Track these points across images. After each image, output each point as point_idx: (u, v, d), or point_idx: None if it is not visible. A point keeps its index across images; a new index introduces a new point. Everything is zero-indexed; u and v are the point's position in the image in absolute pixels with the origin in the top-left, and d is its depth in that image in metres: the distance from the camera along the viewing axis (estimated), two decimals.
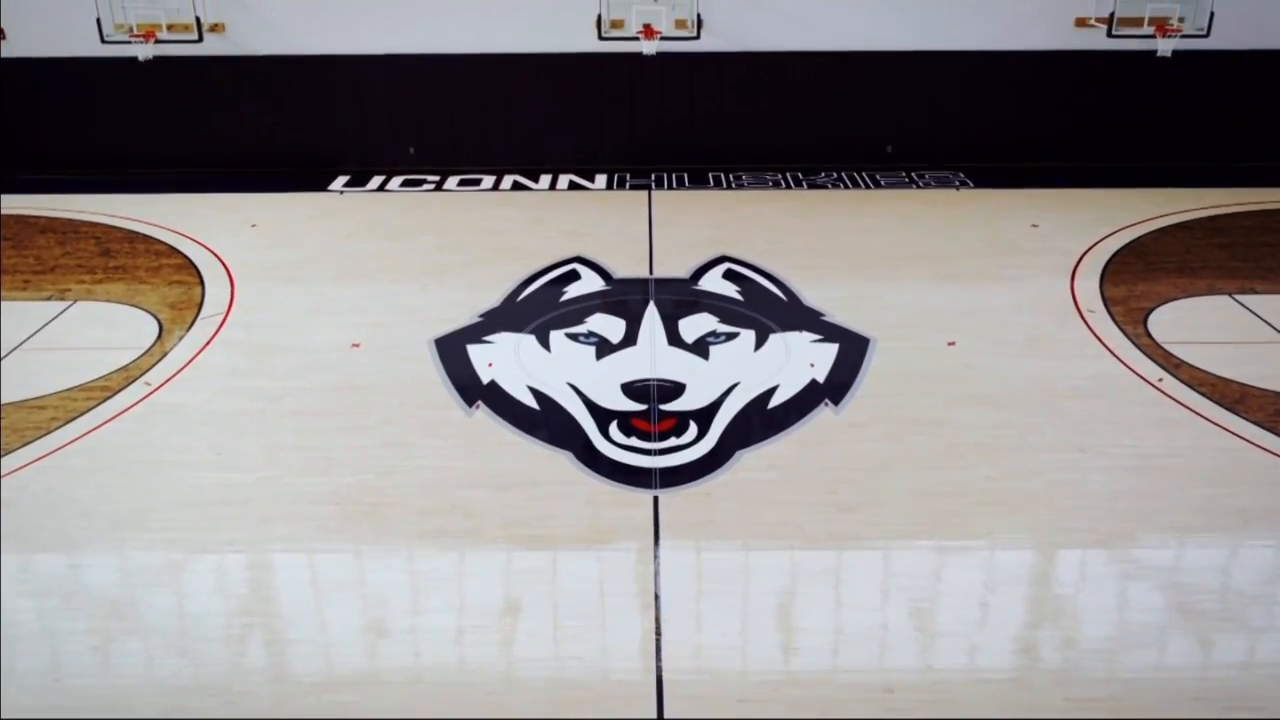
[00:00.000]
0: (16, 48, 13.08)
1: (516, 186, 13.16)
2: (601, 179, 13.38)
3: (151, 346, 8.82)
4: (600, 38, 12.61)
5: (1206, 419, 7.55)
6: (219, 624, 5.55)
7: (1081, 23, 12.92)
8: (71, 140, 13.58)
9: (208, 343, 8.90)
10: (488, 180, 13.33)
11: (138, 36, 12.41)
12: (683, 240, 11.18)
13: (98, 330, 9.24)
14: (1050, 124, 13.50)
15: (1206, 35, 12.37)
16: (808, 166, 13.59)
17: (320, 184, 13.21)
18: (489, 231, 11.60)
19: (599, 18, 12.49)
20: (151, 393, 8.03)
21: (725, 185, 13.13)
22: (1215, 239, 11.17)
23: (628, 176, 13.42)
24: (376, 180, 13.38)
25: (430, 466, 7.02)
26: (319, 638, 5.45)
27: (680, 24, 12.68)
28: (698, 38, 12.62)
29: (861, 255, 10.86)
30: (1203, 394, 7.89)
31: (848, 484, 6.78)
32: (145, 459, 7.15)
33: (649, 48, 12.48)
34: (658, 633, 5.42)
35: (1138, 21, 12.42)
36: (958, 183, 13.12)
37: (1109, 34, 12.47)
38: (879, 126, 13.65)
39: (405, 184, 13.26)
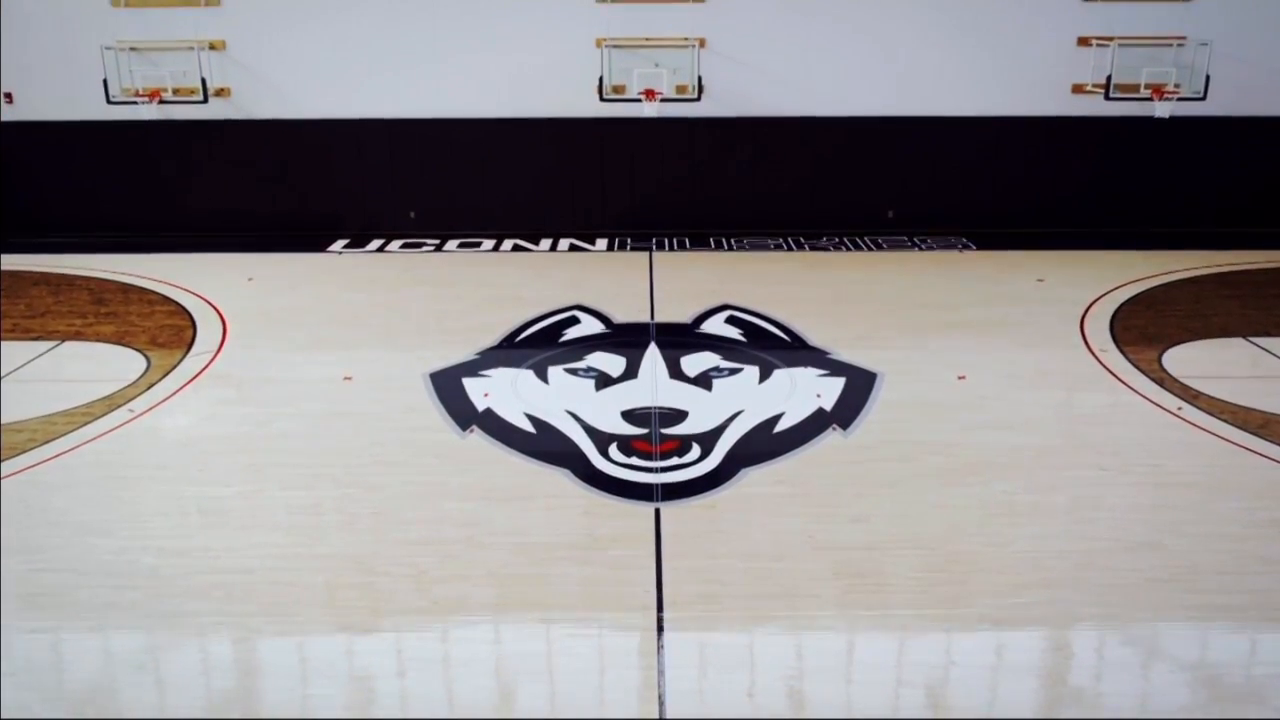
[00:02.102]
0: (21, 111, 13.18)
1: (517, 248, 13.07)
2: (602, 242, 13.31)
3: (137, 379, 8.56)
4: (602, 99, 12.70)
5: (1232, 442, 7.24)
6: (189, 623, 5.15)
7: (1079, 89, 13.04)
8: (71, 205, 13.57)
9: (195, 375, 8.65)
10: (488, 243, 13.26)
11: (143, 96, 12.48)
12: (684, 291, 11.03)
13: (84, 365, 9.00)
14: (1051, 189, 13.51)
15: (1203, 98, 12.44)
16: (809, 231, 13.54)
17: (320, 246, 13.13)
18: (488, 284, 11.46)
19: (600, 80, 12.60)
20: (134, 418, 7.74)
21: (726, 247, 13.05)
22: (1224, 291, 11.02)
23: (629, 240, 13.35)
24: (376, 243, 13.31)
25: (421, 481, 6.69)
26: (295, 633, 5.05)
27: (681, 89, 12.79)
28: (698, 99, 12.71)
29: (866, 304, 10.69)
30: (1225, 420, 7.59)
31: (860, 498, 6.45)
32: (121, 475, 6.83)
33: (650, 110, 12.56)
34: (660, 629, 5.02)
35: (1134, 87, 12.52)
36: (960, 245, 13.05)
37: (1106, 97, 12.55)
38: (880, 192, 13.65)
39: (405, 246, 13.19)
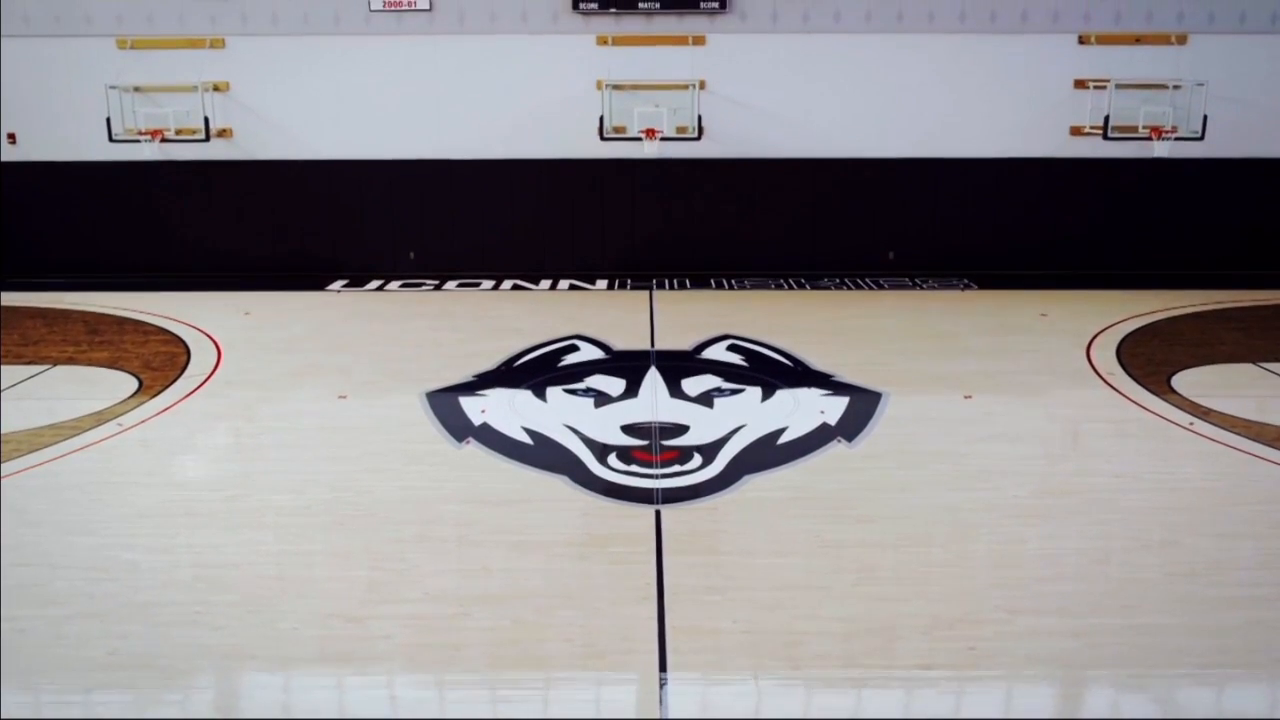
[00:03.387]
0: (24, 152, 13.23)
1: (516, 288, 13.01)
2: (602, 282, 13.25)
3: (128, 398, 8.40)
4: (602, 138, 12.75)
5: (1247, 452, 7.05)
6: (166, 612, 4.91)
7: (1077, 131, 13.11)
8: (70, 245, 13.55)
9: (188, 394, 8.48)
10: (487, 283, 13.20)
11: (145, 135, 12.53)
12: (685, 323, 10.93)
13: (75, 386, 8.84)
14: (1052, 230, 13.50)
15: (1201, 138, 12.49)
16: (810, 273, 13.49)
17: (319, 285, 13.07)
18: (486, 318, 11.37)
19: (601, 119, 12.66)
20: (122, 431, 7.56)
21: (727, 287, 12.98)
22: (1230, 324, 10.93)
23: (629, 280, 13.30)
24: (375, 283, 13.25)
25: (415, 485, 6.49)
26: (279, 621, 4.81)
27: (681, 129, 12.84)
28: (698, 139, 12.76)
29: (869, 334, 10.58)
30: (1239, 434, 7.42)
31: (866, 501, 6.25)
32: (106, 480, 6.64)
33: (651, 149, 12.60)
34: (660, 619, 4.79)
35: (1132, 128, 12.57)
36: (962, 285, 12.99)
37: (1105, 137, 12.60)
38: (881, 233, 13.64)
39: (404, 286, 13.12)
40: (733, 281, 13.20)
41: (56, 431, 7.50)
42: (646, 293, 12.63)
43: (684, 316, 11.30)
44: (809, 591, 5.09)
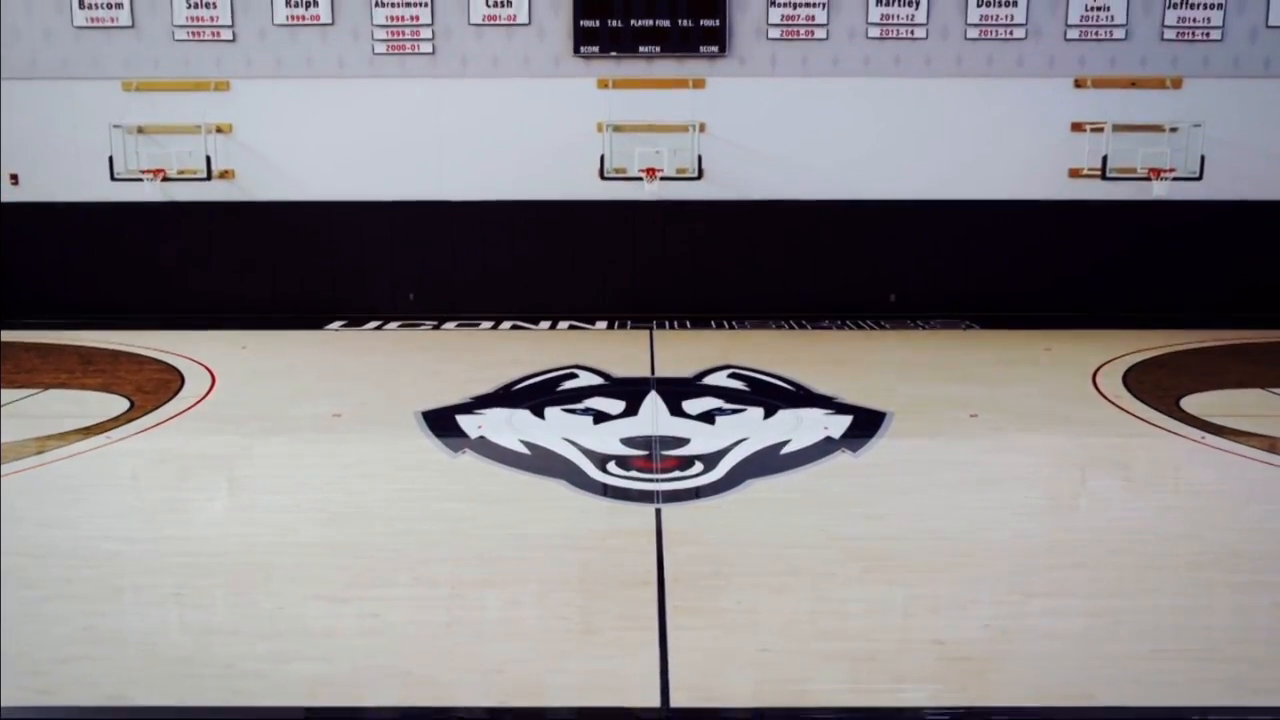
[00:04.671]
0: (25, 193, 13.26)
1: (515, 328, 12.92)
2: (602, 323, 13.17)
3: (118, 415, 8.24)
4: (603, 177, 12.79)
5: (1262, 461, 6.88)
6: (149, 594, 4.72)
7: (1075, 173, 13.17)
8: (69, 286, 13.51)
9: (179, 413, 8.34)
10: (486, 324, 13.12)
11: (148, 173, 12.57)
12: (685, 355, 10.82)
13: (65, 405, 8.71)
14: (1053, 272, 13.47)
15: (1199, 178, 12.53)
16: (811, 314, 13.42)
17: (317, 326, 12.98)
18: (484, 353, 11.25)
19: (602, 158, 12.72)
20: (110, 443, 7.40)
21: (728, 327, 12.90)
22: (1237, 357, 10.82)
23: (629, 321, 13.22)
24: (373, 323, 13.17)
25: (408, 489, 6.33)
26: (264, 602, 4.61)
27: (681, 170, 12.90)
28: (699, 178, 12.81)
29: (872, 365, 10.48)
30: (1252, 446, 7.25)
31: (875, 501, 6.07)
32: (92, 483, 6.46)
33: (651, 189, 12.63)
34: (660, 600, 4.59)
35: (1130, 169, 12.62)
36: (965, 325, 12.91)
37: (1104, 177, 12.64)
38: (882, 275, 13.61)
39: (402, 326, 13.04)
40: (733, 322, 13.12)
41: (42, 443, 7.34)
42: (647, 332, 12.55)
43: (684, 350, 11.20)
44: (815, 577, 4.89)
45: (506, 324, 13.08)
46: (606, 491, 6.23)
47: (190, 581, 4.84)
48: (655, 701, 3.75)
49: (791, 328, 12.81)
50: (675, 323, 13.11)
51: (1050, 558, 5.17)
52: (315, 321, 13.13)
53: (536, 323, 13.14)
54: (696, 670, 3.98)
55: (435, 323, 13.18)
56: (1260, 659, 4.08)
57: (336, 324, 13.10)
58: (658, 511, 5.84)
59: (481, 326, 12.97)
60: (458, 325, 13.05)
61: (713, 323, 13.13)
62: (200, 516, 5.81)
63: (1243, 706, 3.73)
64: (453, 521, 5.70)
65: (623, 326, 12.95)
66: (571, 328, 12.91)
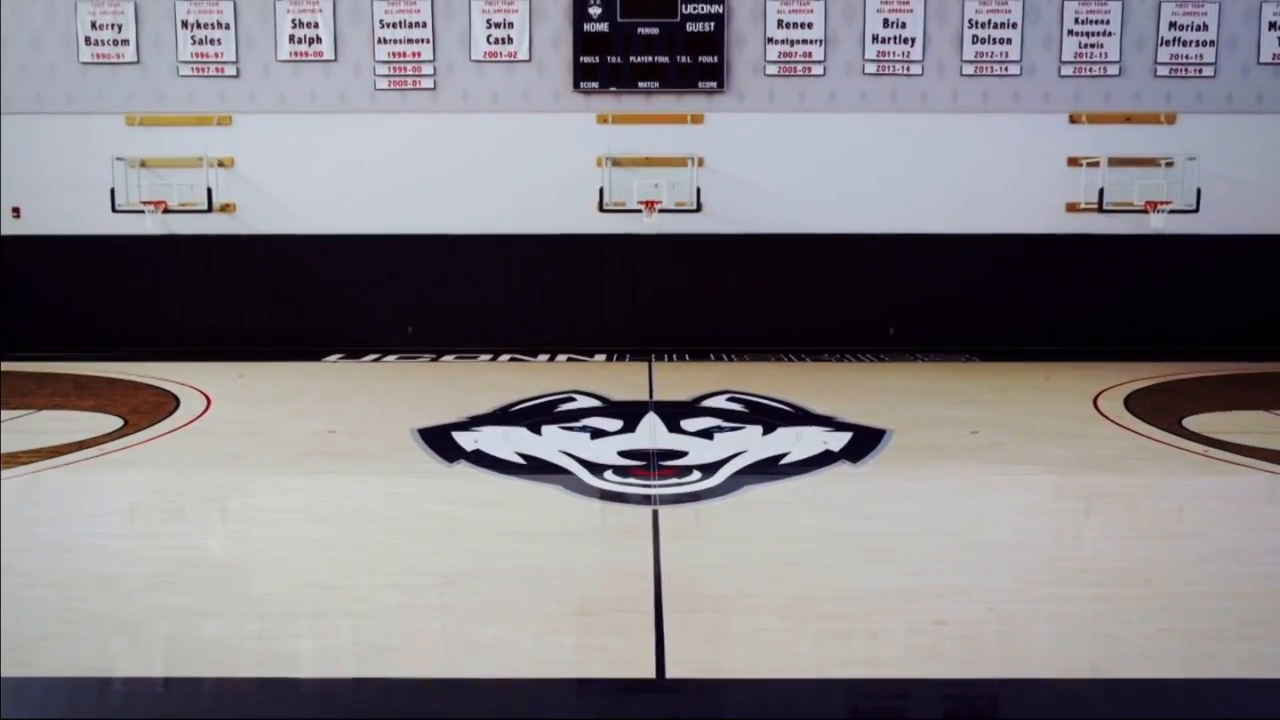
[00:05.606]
0: (26, 226, 13.31)
1: (514, 360, 12.88)
2: (601, 356, 13.13)
3: (111, 432, 8.17)
4: (601, 209, 12.85)
5: (1267, 470, 6.80)
6: (133, 581, 4.62)
7: (1072, 208, 13.23)
8: (67, 319, 13.50)
9: (174, 429, 8.27)
10: (485, 356, 13.08)
11: (149, 204, 12.63)
12: (684, 381, 10.77)
13: (59, 423, 8.62)
14: (1051, 305, 13.47)
15: (1196, 210, 12.58)
16: (810, 348, 13.39)
17: (315, 358, 12.94)
18: (483, 379, 11.20)
19: (601, 190, 12.79)
20: (102, 455, 7.32)
21: (727, 359, 12.86)
22: (1238, 386, 10.77)
23: (628, 354, 13.18)
24: (372, 356, 13.13)
25: (400, 493, 6.25)
26: (253, 589, 4.52)
27: (680, 204, 12.95)
28: (698, 210, 12.86)
29: (872, 391, 10.41)
30: (1256, 459, 7.17)
31: (875, 503, 5.99)
32: (82, 487, 6.38)
33: (650, 222, 12.68)
34: (657, 586, 4.50)
35: (1127, 203, 12.68)
36: (964, 358, 12.87)
37: (1100, 209, 12.70)
38: (881, 309, 13.60)
39: (401, 358, 13.00)
40: (731, 354, 13.09)
41: (34, 455, 7.26)
42: (645, 363, 12.50)
43: (683, 378, 11.16)
44: (815, 568, 4.80)
45: (505, 356, 13.04)
46: (603, 496, 6.15)
47: (177, 571, 4.75)
48: (650, 673, 3.65)
49: (790, 360, 12.77)
50: (674, 355, 13.07)
51: (1054, 553, 5.08)
52: (314, 354, 13.09)
53: (535, 355, 13.10)
54: (693, 647, 3.88)
55: (434, 355, 13.14)
56: (1272, 637, 3.98)
57: (334, 356, 13.06)
58: (655, 513, 5.75)
59: (480, 359, 12.93)
60: (456, 358, 13.01)
61: (711, 355, 13.09)
62: (189, 518, 5.72)
63: (1255, 679, 3.63)
64: (446, 520, 5.62)
65: (621, 358, 12.91)
66: (570, 359, 12.87)
